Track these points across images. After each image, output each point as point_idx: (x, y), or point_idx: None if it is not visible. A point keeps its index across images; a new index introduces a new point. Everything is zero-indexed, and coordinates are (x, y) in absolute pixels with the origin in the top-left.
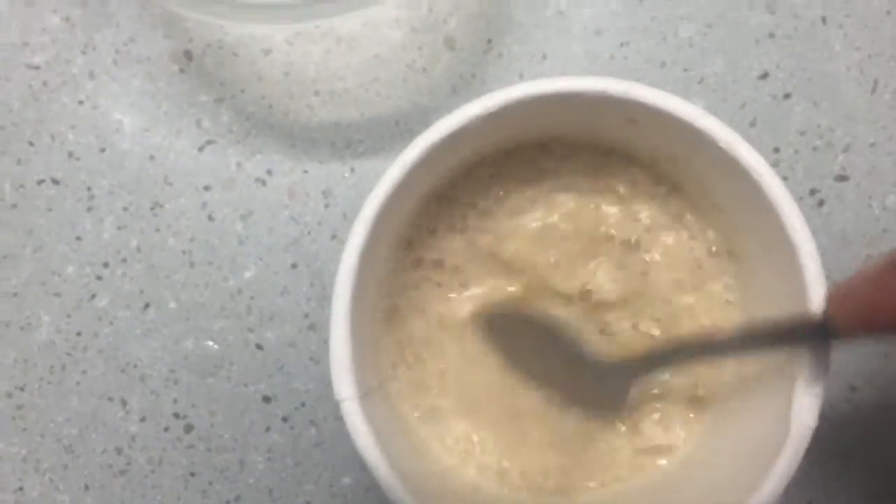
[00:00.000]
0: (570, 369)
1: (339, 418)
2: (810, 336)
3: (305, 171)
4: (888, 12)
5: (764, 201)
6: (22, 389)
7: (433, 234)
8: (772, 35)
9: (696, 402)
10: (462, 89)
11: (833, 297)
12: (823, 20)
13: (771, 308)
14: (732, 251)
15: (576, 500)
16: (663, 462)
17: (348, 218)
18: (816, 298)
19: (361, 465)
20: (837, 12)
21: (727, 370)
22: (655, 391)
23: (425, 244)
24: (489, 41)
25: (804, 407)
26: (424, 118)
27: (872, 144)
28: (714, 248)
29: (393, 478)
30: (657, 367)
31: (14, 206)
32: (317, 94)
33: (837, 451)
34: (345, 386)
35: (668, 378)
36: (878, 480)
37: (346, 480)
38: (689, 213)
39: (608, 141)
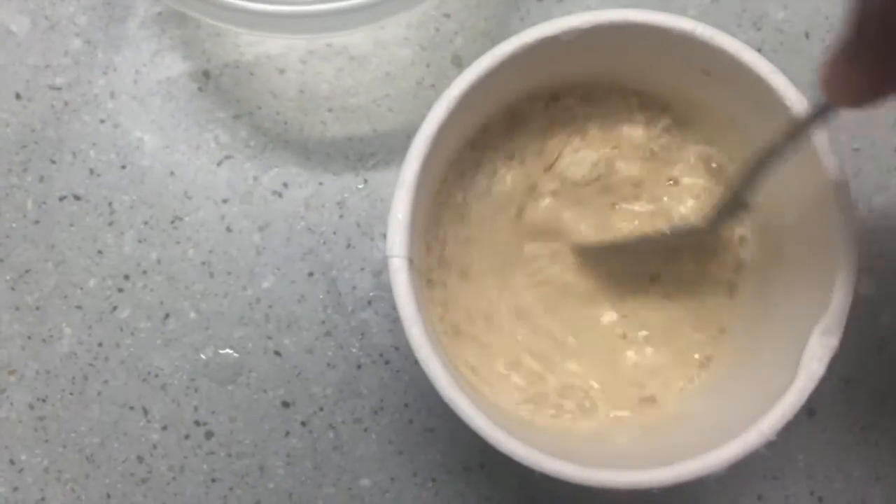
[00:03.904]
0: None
1: (356, 421)
2: (821, 113)
3: (320, 184)
4: None
5: (816, 164)
6: (44, 401)
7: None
8: (759, 49)
9: (711, 342)
10: None
11: (824, 73)
12: (807, 35)
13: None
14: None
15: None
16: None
17: (362, 227)
18: (848, 266)
19: (379, 467)
20: (819, 28)
21: (743, 304)
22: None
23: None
24: None
25: (815, 355)
26: None
27: (857, 149)
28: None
29: (424, 338)
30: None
31: (36, 221)
32: (330, 110)
33: (833, 442)
34: (397, 244)
35: None
36: (873, 472)
37: (365, 482)
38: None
39: (668, 90)
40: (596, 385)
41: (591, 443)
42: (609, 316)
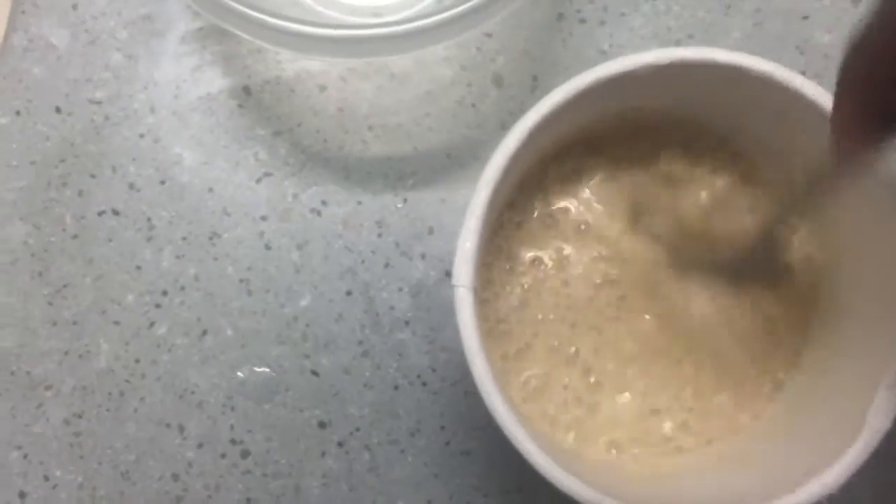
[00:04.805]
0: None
1: (393, 442)
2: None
3: (359, 202)
4: None
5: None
6: (80, 416)
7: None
8: (803, 73)
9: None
10: (510, 124)
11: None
12: None
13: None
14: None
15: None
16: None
17: (401, 247)
18: None
19: (415, 490)
20: None
21: (809, 358)
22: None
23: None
24: (535, 78)
25: (882, 410)
26: (474, 151)
27: None
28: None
29: (487, 370)
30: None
31: (75, 236)
32: (370, 128)
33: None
34: (464, 274)
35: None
36: None
37: None
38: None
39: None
40: (653, 424)
41: (642, 482)
42: (671, 355)
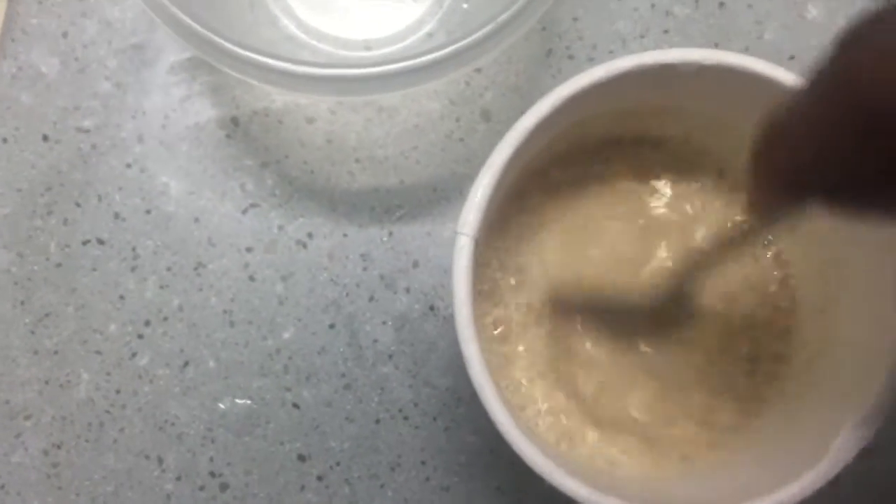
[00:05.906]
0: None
1: (373, 477)
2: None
3: (345, 235)
4: None
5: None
6: (59, 447)
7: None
8: None
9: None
10: None
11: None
12: None
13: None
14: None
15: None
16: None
17: (385, 280)
18: None
19: None
20: None
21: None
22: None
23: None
24: (523, 113)
25: (846, 444)
26: (460, 186)
27: None
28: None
29: (470, 320)
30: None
31: (59, 265)
32: (357, 161)
33: None
34: (469, 223)
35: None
36: None
37: None
38: None
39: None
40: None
41: (598, 475)
42: (644, 348)
